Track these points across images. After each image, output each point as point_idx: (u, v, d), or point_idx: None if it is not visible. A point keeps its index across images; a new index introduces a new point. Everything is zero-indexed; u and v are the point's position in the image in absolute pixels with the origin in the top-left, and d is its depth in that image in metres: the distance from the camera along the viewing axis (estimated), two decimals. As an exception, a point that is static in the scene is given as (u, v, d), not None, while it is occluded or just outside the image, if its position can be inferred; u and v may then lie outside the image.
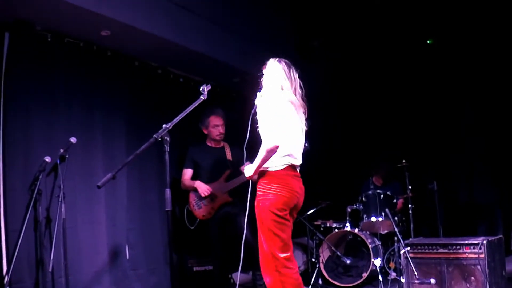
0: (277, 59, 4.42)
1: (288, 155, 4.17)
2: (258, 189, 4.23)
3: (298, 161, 4.31)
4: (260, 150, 4.10)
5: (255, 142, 4.29)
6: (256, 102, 4.26)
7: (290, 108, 4.23)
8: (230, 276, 6.93)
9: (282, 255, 4.06)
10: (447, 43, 8.74)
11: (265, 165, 4.16)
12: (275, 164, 4.14)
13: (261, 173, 4.22)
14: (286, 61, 4.41)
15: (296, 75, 4.38)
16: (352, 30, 8.66)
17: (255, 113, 4.26)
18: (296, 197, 4.20)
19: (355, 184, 8.71)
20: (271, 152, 4.04)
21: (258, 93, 4.34)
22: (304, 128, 4.41)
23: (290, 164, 4.19)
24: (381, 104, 9.81)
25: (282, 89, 4.30)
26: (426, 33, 8.83)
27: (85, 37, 6.07)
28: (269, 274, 4.10)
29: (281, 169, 4.15)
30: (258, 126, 4.19)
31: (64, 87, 5.91)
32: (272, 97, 4.21)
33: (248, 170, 4.27)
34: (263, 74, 4.45)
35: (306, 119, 4.43)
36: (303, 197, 4.38)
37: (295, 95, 4.32)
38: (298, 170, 4.34)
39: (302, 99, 4.39)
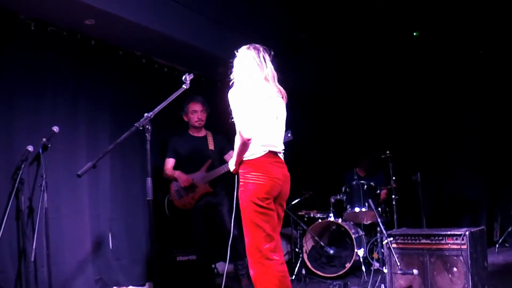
0: (247, 46, 4.28)
1: (264, 144, 4.06)
2: (239, 179, 4.12)
3: (278, 147, 4.19)
4: (235, 143, 4.03)
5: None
6: (228, 93, 4.10)
7: (261, 97, 4.09)
8: (213, 266, 6.95)
9: (265, 246, 3.96)
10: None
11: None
12: (252, 152, 4.04)
13: (240, 163, 4.13)
14: (257, 45, 4.27)
15: (268, 58, 4.22)
16: (347, 26, 8.63)
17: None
18: (278, 184, 4.09)
19: (339, 174, 8.75)
20: (244, 145, 3.97)
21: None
22: (283, 113, 4.30)
23: (269, 150, 4.08)
24: (374, 98, 9.87)
25: (252, 77, 4.16)
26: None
27: (69, 26, 6.02)
28: (252, 266, 4.02)
29: (260, 157, 4.04)
30: (232, 118, 4.07)
31: (48, 76, 5.88)
32: (240, 88, 4.09)
33: (231, 163, 4.23)
34: (233, 65, 4.31)
35: (287, 103, 4.33)
36: (289, 185, 4.27)
37: (268, 80, 4.20)
38: (281, 156, 4.23)
39: (277, 82, 4.27)
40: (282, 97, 4.27)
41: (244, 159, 4.08)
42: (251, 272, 4.04)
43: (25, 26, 5.65)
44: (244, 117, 3.95)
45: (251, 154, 4.05)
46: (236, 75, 4.24)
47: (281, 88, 4.27)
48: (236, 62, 4.28)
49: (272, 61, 4.26)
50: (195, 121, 6.50)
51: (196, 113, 6.48)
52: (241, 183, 4.09)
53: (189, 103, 6.49)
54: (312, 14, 8.35)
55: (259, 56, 4.19)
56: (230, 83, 4.23)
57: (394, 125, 9.57)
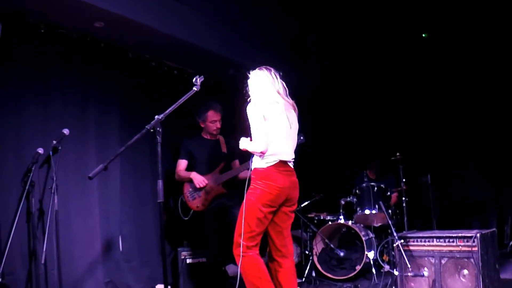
0: (258, 68, 4.73)
1: (276, 153, 4.50)
2: (250, 184, 4.57)
3: (289, 157, 4.61)
4: (251, 145, 4.50)
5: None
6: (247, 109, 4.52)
7: (275, 110, 4.53)
8: (224, 268, 6.93)
9: (244, 243, 4.45)
10: (447, 42, 8.73)
11: (255, 164, 4.55)
12: (264, 161, 4.50)
13: (253, 170, 4.57)
14: (267, 67, 4.71)
15: (278, 76, 4.69)
16: (350, 26, 8.61)
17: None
18: (285, 193, 4.54)
19: (349, 176, 8.73)
20: (256, 153, 4.50)
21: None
22: (296, 124, 4.73)
23: (280, 160, 4.50)
24: (379, 99, 9.84)
25: (267, 95, 4.58)
26: (426, 31, 8.81)
27: (79, 29, 6.03)
28: (236, 257, 4.52)
29: (271, 166, 4.48)
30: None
31: (58, 79, 5.88)
32: (256, 105, 4.51)
33: (242, 142, 4.60)
34: (248, 85, 4.72)
35: (298, 116, 4.76)
36: (297, 190, 4.71)
37: (280, 95, 4.63)
38: (291, 164, 4.64)
39: (289, 96, 4.73)
40: (294, 110, 4.72)
41: (256, 167, 4.55)
42: (236, 259, 4.54)
43: (35, 28, 5.66)
44: (259, 133, 4.44)
45: (264, 163, 4.51)
46: (252, 93, 4.67)
47: (293, 102, 4.73)
48: (250, 81, 4.73)
49: (282, 79, 4.70)
50: (214, 130, 6.52)
51: (215, 122, 6.51)
52: (251, 187, 4.55)
53: (208, 110, 6.49)
54: (315, 14, 8.34)
55: (271, 74, 4.67)
56: (248, 100, 4.65)
57: (399, 124, 9.53)
